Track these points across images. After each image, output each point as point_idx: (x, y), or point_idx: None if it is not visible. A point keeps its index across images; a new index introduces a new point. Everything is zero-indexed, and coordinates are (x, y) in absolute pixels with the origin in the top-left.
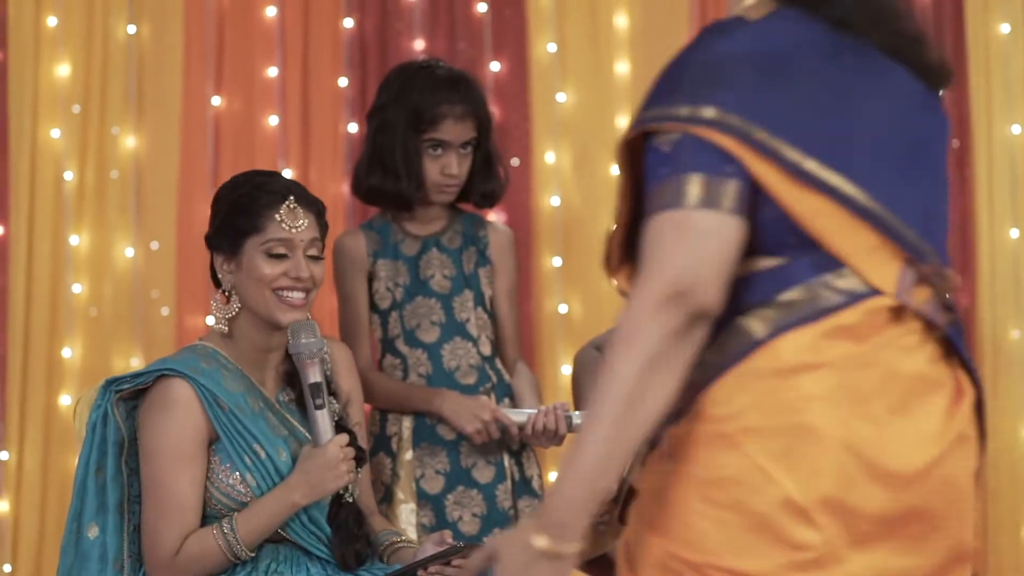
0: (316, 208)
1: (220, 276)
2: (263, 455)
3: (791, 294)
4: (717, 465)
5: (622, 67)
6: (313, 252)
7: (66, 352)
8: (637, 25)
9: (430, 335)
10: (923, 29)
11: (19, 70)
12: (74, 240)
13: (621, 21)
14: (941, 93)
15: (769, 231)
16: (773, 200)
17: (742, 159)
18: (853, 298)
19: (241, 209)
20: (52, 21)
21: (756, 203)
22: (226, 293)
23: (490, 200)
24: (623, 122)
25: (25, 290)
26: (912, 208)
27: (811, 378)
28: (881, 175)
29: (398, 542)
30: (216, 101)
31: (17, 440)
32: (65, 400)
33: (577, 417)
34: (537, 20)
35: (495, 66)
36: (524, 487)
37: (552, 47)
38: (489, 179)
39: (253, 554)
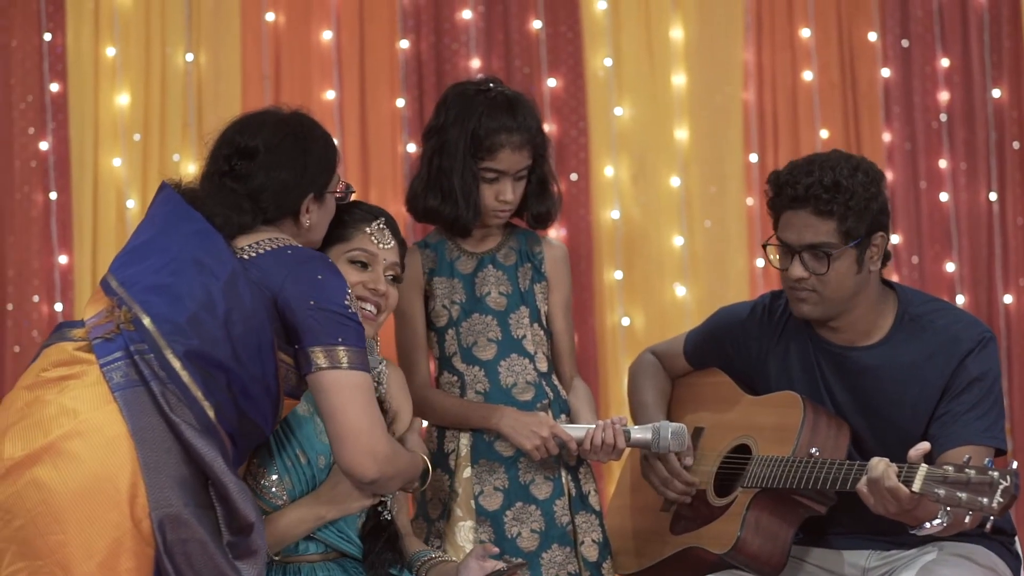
0: (401, 239)
1: None
2: (304, 460)
3: None
4: None
5: (678, 79)
6: (392, 274)
7: None
8: (692, 37)
9: (487, 352)
10: None
11: (79, 101)
12: None
13: (676, 34)
14: None
15: None
16: None
17: None
18: None
19: (334, 221)
20: (111, 51)
21: None
22: None
23: (543, 221)
24: (680, 134)
25: None
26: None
27: None
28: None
29: (435, 558)
30: None
31: None
32: None
33: (635, 431)
34: (592, 35)
35: (551, 82)
36: (581, 503)
37: (608, 62)
38: (543, 201)
39: (277, 557)
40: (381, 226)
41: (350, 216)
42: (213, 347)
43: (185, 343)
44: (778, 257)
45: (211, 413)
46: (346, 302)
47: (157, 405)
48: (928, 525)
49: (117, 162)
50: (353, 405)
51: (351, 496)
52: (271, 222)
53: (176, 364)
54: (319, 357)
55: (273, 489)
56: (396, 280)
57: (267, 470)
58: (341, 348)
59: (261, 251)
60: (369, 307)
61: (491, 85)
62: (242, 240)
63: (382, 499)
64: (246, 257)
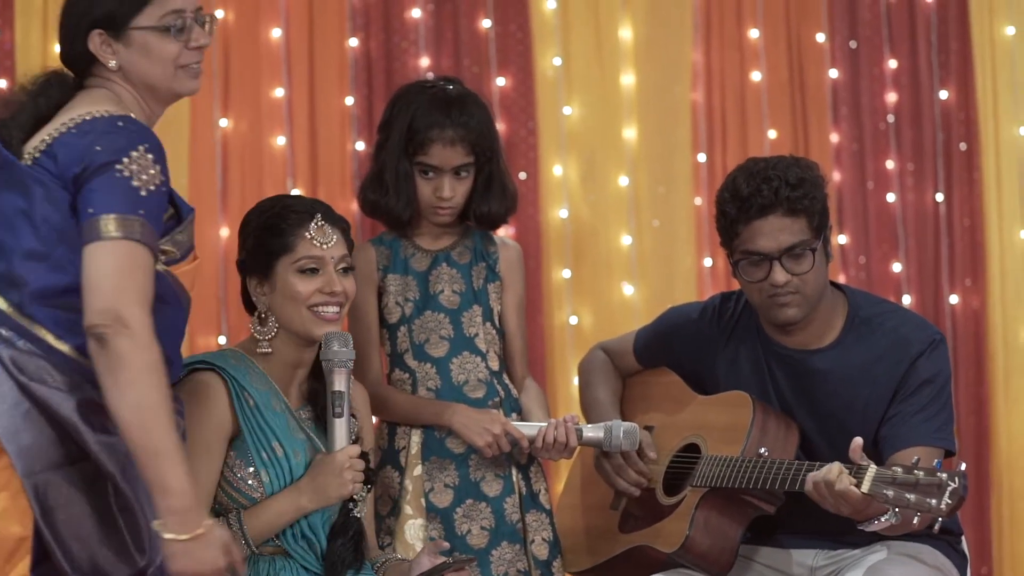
0: (342, 225)
1: (254, 299)
2: (280, 453)
3: None
4: None
5: (627, 79)
6: (343, 266)
7: None
8: (641, 37)
9: (439, 349)
10: None
11: None
12: None
13: (625, 33)
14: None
15: None
16: None
17: None
18: None
19: (271, 231)
20: (58, 48)
21: None
22: (261, 315)
23: (486, 222)
24: (629, 134)
25: None
26: None
27: None
28: None
29: (389, 559)
30: (223, 123)
31: None
32: None
33: (587, 430)
34: (542, 34)
35: (500, 81)
36: (532, 501)
37: (557, 61)
38: (486, 201)
39: (257, 551)
40: (320, 224)
41: (286, 223)
42: (48, 278)
43: (19, 293)
44: (750, 271)
45: (73, 354)
46: (119, 167)
47: (6, 370)
48: (876, 522)
49: None
50: (106, 265)
51: (331, 486)
52: (81, 80)
53: (17, 317)
54: (89, 229)
55: (250, 481)
56: (348, 270)
57: (244, 463)
58: (106, 217)
59: (44, 148)
60: (331, 310)
61: (439, 83)
62: (32, 141)
63: (354, 498)
64: (31, 162)
